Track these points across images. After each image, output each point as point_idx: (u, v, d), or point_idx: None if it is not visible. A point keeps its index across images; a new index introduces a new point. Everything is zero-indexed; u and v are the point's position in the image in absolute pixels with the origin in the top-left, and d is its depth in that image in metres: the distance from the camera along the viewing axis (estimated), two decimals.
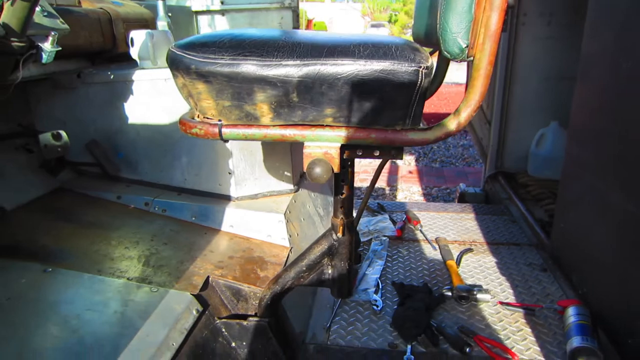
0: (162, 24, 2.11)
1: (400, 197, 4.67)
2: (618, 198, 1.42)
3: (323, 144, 0.89)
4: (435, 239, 2.09)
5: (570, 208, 1.78)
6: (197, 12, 2.71)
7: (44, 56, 1.32)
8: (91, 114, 1.77)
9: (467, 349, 1.38)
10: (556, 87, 2.61)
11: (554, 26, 2.55)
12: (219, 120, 0.93)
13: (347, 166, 1.14)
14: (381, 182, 5.05)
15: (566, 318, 1.45)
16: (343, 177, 1.16)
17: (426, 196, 4.69)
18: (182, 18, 2.61)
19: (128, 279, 1.30)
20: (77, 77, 1.74)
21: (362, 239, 2.10)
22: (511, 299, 1.67)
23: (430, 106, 8.31)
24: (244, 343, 1.35)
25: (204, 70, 0.84)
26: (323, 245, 1.23)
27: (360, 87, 0.81)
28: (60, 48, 1.35)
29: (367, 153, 0.96)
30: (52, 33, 1.31)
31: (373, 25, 21.80)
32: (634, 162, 1.35)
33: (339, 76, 0.81)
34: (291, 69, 0.81)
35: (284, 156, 1.80)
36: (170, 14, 2.43)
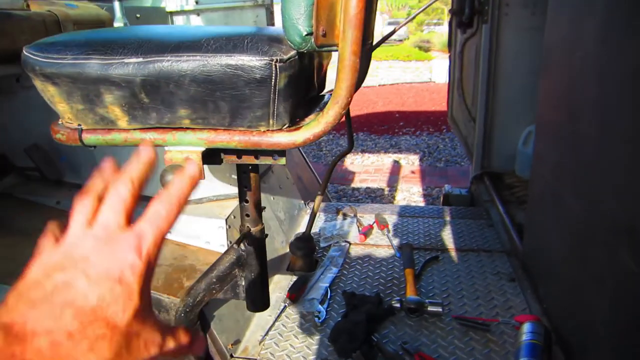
0: (118, 24, 2.06)
1: (399, 198, 4.54)
2: (570, 199, 1.29)
3: (184, 148, 0.80)
4: (401, 245, 1.97)
5: (536, 211, 1.64)
6: (172, 13, 2.65)
7: None
8: (32, 118, 1.73)
9: None
10: None
11: (539, 16, 2.39)
12: (79, 125, 0.84)
13: (247, 171, 1.05)
14: (381, 183, 4.92)
15: (519, 336, 1.32)
16: (245, 182, 1.06)
17: (426, 197, 4.54)
18: (157, 19, 2.56)
19: None
20: (17, 81, 1.69)
21: (324, 244, 2.00)
22: (468, 312, 1.54)
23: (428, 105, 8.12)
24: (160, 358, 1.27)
25: (48, 72, 0.77)
26: (231, 255, 1.14)
27: (209, 84, 0.72)
28: None
29: (238, 157, 0.86)
30: None
31: (390, 23, 21.54)
32: (583, 159, 1.22)
33: (183, 73, 0.72)
34: (133, 67, 0.73)
35: None
36: (138, 15, 2.38)
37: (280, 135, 0.76)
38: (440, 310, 1.50)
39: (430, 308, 1.51)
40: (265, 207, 1.15)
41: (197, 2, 2.61)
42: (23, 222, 1.54)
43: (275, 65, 0.70)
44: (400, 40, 18.57)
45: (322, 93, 1.06)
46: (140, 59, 0.73)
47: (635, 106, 0.97)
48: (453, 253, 1.92)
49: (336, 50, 0.71)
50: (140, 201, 0.37)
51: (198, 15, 2.61)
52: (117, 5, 2.01)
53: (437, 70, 10.87)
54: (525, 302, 1.57)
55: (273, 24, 2.65)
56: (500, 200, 2.33)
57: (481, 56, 2.50)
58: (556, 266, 1.42)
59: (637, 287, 0.93)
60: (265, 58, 0.70)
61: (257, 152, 0.85)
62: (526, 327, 1.33)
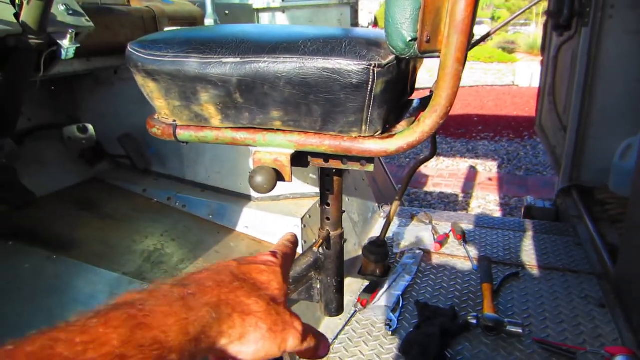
0: (209, 21, 2.13)
1: (474, 205, 4.36)
2: None
3: (274, 149, 0.80)
4: (479, 257, 1.88)
5: (636, 232, 1.49)
6: (258, 10, 2.71)
7: (63, 52, 1.36)
8: (127, 109, 1.83)
9: None
10: None
11: None
12: (174, 121, 0.87)
13: (331, 174, 1.03)
14: (455, 188, 4.75)
15: None
16: (328, 186, 1.05)
17: (503, 206, 4.33)
18: (244, 15, 2.63)
19: (123, 273, 1.31)
20: (114, 73, 1.80)
21: (397, 250, 1.95)
22: (551, 336, 1.43)
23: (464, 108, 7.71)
24: None
25: (149, 69, 0.79)
26: (309, 257, 1.13)
27: (304, 87, 0.71)
28: (78, 45, 1.39)
29: (325, 161, 0.85)
30: (70, 30, 1.35)
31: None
32: None
33: (279, 75, 0.71)
34: (231, 67, 0.73)
35: None
36: (227, 12, 2.45)
37: (372, 142, 0.74)
38: (521, 331, 1.41)
39: (509, 328, 1.42)
40: (344, 211, 1.13)
41: (282, 0, 2.65)
42: (112, 207, 1.64)
43: (373, 71, 0.67)
44: (483, 41, 17.84)
45: (411, 97, 1.03)
46: (238, 59, 0.73)
47: None
48: (535, 270, 1.80)
49: (438, 57, 0.68)
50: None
51: (283, 12, 2.65)
52: (208, 2, 2.08)
53: (520, 73, 10.34)
54: (617, 332, 1.44)
55: (357, 23, 2.63)
56: (590, 217, 2.16)
57: (578, 61, 2.33)
58: None
59: None
60: (364, 63, 0.67)
61: (345, 158, 0.83)
62: None
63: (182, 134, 0.87)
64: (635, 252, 1.51)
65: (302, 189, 1.75)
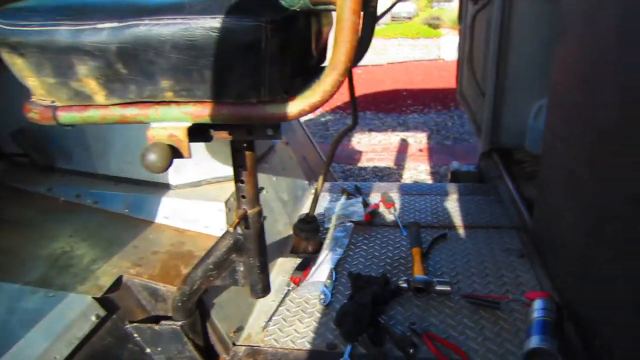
0: None
1: (406, 176, 4.46)
2: (585, 174, 1.22)
3: (168, 124, 0.74)
4: (408, 223, 1.91)
5: (548, 187, 1.57)
6: None
7: None
8: (17, 99, 1.65)
9: (411, 350, 1.22)
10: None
11: None
12: (52, 102, 0.78)
13: (242, 149, 0.98)
14: (388, 162, 4.84)
15: (530, 313, 1.27)
16: (240, 162, 1.00)
17: (434, 175, 4.47)
18: None
19: (25, 283, 1.19)
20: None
21: (328, 225, 1.94)
22: (477, 290, 1.48)
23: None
24: (159, 349, 1.23)
25: (13, 41, 0.70)
26: (228, 240, 1.08)
27: (192, 51, 0.65)
28: None
29: (229, 133, 0.80)
30: None
31: None
32: (601, 132, 1.14)
33: (163, 39, 0.65)
34: (107, 34, 0.66)
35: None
36: None
37: (273, 107, 0.70)
38: (449, 289, 1.45)
39: (438, 287, 1.45)
40: (263, 188, 1.09)
41: None
42: (12, 212, 1.50)
43: (266, 28, 0.63)
44: (410, 18, 18.24)
45: (323, 65, 0.99)
46: (115, 24, 0.66)
47: None
48: (461, 230, 1.86)
49: (334, 10, 0.64)
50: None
51: None
52: None
53: (445, 47, 10.66)
54: (536, 279, 1.52)
55: None
56: (509, 176, 2.25)
57: (492, 28, 2.39)
58: (568, 242, 1.36)
59: None
60: (254, 20, 0.62)
61: (249, 127, 0.78)
62: (537, 304, 1.27)
63: (64, 116, 0.78)
64: (547, 205, 1.59)
65: (223, 171, 1.68)
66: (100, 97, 0.74)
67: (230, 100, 0.70)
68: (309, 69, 0.87)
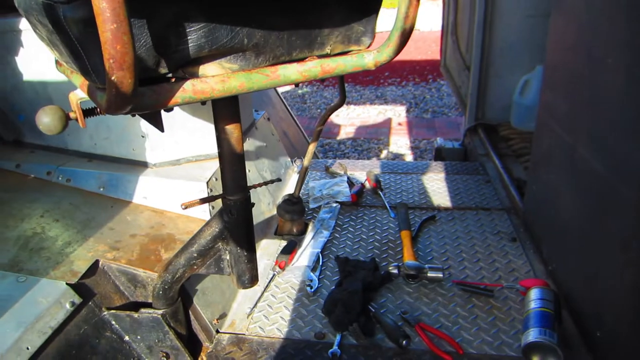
0: None
1: (386, 150, 4.42)
2: (585, 153, 1.17)
3: None
4: (396, 204, 1.85)
5: (542, 165, 1.52)
6: None
7: None
8: None
9: (404, 342, 1.18)
10: (543, 25, 2.27)
11: None
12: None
13: (227, 130, 0.89)
14: (367, 136, 4.78)
15: (527, 303, 1.23)
16: (225, 144, 0.91)
17: (414, 150, 4.43)
18: None
19: None
20: None
21: (314, 205, 1.87)
22: (470, 276, 1.45)
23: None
24: (138, 337, 1.15)
25: None
26: (214, 227, 1.00)
27: None
28: None
29: None
30: None
31: None
32: (604, 109, 1.08)
33: None
34: None
35: (209, 113, 1.55)
36: None
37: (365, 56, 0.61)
38: (441, 275, 1.41)
39: (430, 274, 1.41)
40: (249, 170, 1.01)
41: None
42: None
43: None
44: None
45: None
46: None
47: None
48: (450, 212, 1.82)
49: None
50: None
51: None
52: None
53: (422, 17, 10.48)
54: (529, 264, 1.49)
55: None
56: (496, 154, 2.22)
57: None
58: (565, 225, 1.32)
59: None
60: None
61: None
62: (534, 294, 1.24)
63: None
64: (539, 185, 1.55)
65: (204, 149, 1.58)
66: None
67: None
68: None
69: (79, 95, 0.71)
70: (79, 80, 0.71)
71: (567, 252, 1.31)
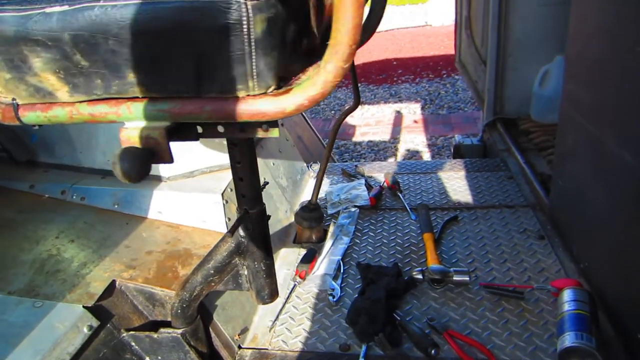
0: None
1: (403, 149, 4.35)
2: (613, 146, 1.10)
3: (144, 123, 0.62)
4: (416, 206, 1.80)
5: (568, 159, 1.45)
6: None
7: None
8: None
9: (433, 351, 1.13)
10: (560, 14, 2.19)
11: None
12: (13, 99, 0.65)
13: (239, 143, 0.86)
14: (383, 135, 4.72)
15: (560, 305, 1.17)
16: (237, 157, 0.88)
17: (431, 147, 4.35)
18: None
19: (9, 292, 1.08)
20: None
21: (332, 211, 1.83)
22: (497, 278, 1.39)
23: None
24: (159, 358, 1.13)
25: None
26: (229, 243, 0.97)
27: (161, 37, 0.52)
28: None
29: (214, 132, 0.67)
30: None
31: None
32: (632, 98, 1.02)
33: (122, 23, 0.52)
34: (58, 19, 0.53)
35: None
36: None
37: (265, 101, 0.57)
38: (467, 279, 1.35)
39: (455, 277, 1.35)
40: (267, 183, 0.97)
41: None
42: None
43: (247, 6, 0.50)
44: None
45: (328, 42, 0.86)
46: (66, 7, 0.53)
47: None
48: (473, 211, 1.75)
49: None
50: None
51: None
52: None
53: (432, 12, 10.37)
54: (559, 263, 1.42)
55: None
56: (517, 149, 2.14)
57: None
58: (596, 220, 1.25)
59: None
60: None
61: (241, 123, 0.66)
62: (567, 295, 1.17)
63: (27, 115, 0.65)
64: (566, 180, 1.48)
65: (218, 160, 1.56)
66: (63, 93, 0.61)
67: (214, 95, 0.58)
68: (312, 50, 0.74)
69: (153, 125, 0.59)
70: None
71: (599, 249, 1.24)
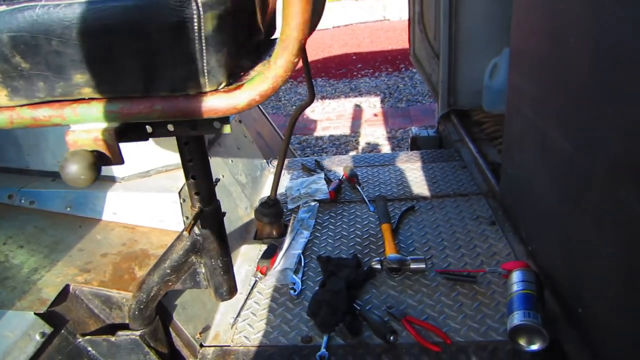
0: None
1: (364, 143, 4.41)
2: (556, 136, 1.17)
3: (92, 125, 0.61)
4: (374, 198, 1.84)
5: (515, 149, 1.52)
6: None
7: None
8: None
9: (392, 338, 1.16)
10: (510, 8, 2.27)
11: None
12: None
13: (190, 141, 0.86)
14: (344, 129, 4.76)
15: (509, 286, 1.23)
16: (188, 155, 0.88)
17: (391, 140, 4.43)
18: None
19: None
20: None
21: (292, 206, 1.85)
22: (452, 264, 1.44)
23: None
24: None
25: None
26: (185, 242, 0.97)
27: (107, 36, 0.52)
28: None
29: (164, 131, 0.68)
30: None
31: None
32: (571, 90, 1.08)
33: (67, 23, 0.51)
34: None
35: None
36: None
37: (217, 98, 0.58)
38: (424, 266, 1.39)
39: (412, 265, 1.40)
40: (218, 180, 0.98)
41: None
42: None
43: (197, 4, 0.50)
44: None
45: (273, 37, 0.87)
46: (4, 7, 0.52)
47: (636, 24, 0.82)
48: (429, 201, 1.81)
49: None
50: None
51: None
52: None
53: (390, 7, 10.50)
54: (509, 246, 1.49)
55: None
56: (470, 139, 2.22)
57: None
58: (541, 206, 1.32)
59: None
60: None
61: (191, 121, 0.66)
62: (516, 276, 1.23)
63: None
64: (514, 168, 1.55)
65: (175, 158, 1.54)
66: (2, 97, 0.60)
67: (164, 93, 0.58)
68: (258, 46, 0.75)
69: (102, 127, 0.58)
70: None
71: (545, 232, 1.31)
